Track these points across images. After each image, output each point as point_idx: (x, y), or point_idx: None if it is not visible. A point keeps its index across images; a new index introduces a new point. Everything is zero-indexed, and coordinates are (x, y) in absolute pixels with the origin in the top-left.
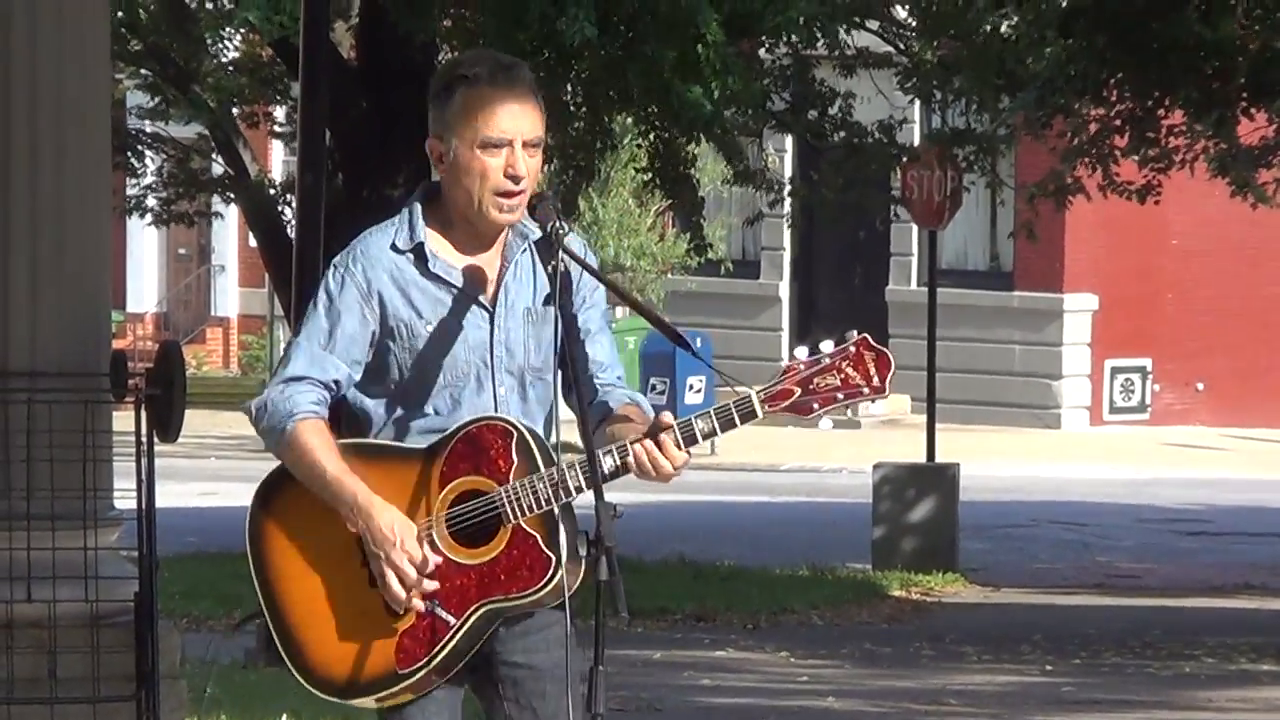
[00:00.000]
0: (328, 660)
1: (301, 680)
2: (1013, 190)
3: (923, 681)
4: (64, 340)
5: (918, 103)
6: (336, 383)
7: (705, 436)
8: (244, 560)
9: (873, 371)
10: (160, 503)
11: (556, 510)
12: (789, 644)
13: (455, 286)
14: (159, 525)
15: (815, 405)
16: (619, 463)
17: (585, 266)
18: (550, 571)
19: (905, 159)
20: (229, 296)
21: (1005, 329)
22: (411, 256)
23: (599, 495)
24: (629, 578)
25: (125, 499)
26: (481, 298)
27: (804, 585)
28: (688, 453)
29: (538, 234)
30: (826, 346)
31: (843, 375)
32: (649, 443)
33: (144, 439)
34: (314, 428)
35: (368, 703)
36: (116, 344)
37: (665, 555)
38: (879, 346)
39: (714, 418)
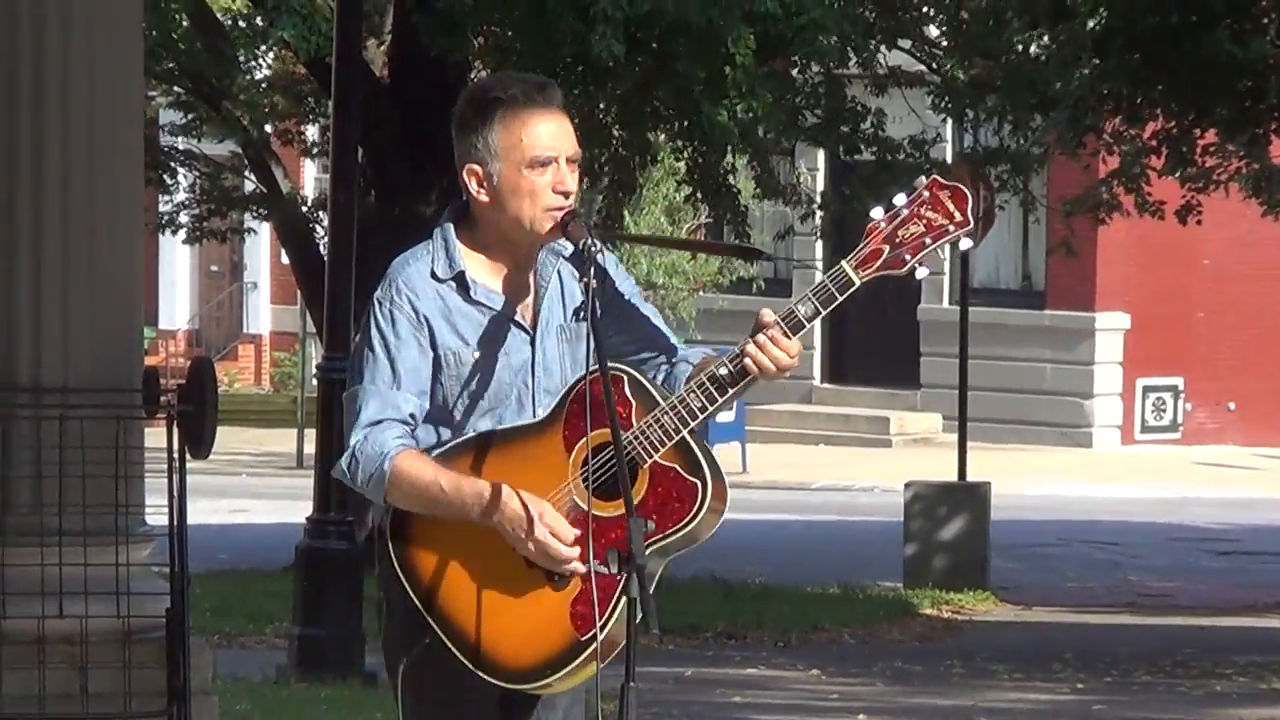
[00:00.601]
0: (514, 652)
1: (499, 683)
2: (1045, 208)
3: (954, 700)
4: (96, 356)
5: (950, 121)
6: (413, 416)
7: (810, 319)
8: (275, 578)
9: (952, 208)
10: (191, 519)
11: (689, 438)
12: (820, 662)
13: (497, 311)
14: (190, 542)
15: (906, 256)
16: (733, 370)
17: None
18: (700, 496)
19: (937, 176)
20: (261, 313)
21: (1037, 348)
22: (454, 285)
23: (630, 511)
24: (659, 595)
25: (157, 515)
26: (522, 320)
27: (835, 603)
28: (799, 342)
29: (569, 250)
30: (900, 199)
31: (925, 220)
32: (760, 337)
33: (175, 455)
34: (411, 455)
35: (564, 683)
36: (148, 360)
37: (696, 573)
38: (951, 183)
39: (813, 298)
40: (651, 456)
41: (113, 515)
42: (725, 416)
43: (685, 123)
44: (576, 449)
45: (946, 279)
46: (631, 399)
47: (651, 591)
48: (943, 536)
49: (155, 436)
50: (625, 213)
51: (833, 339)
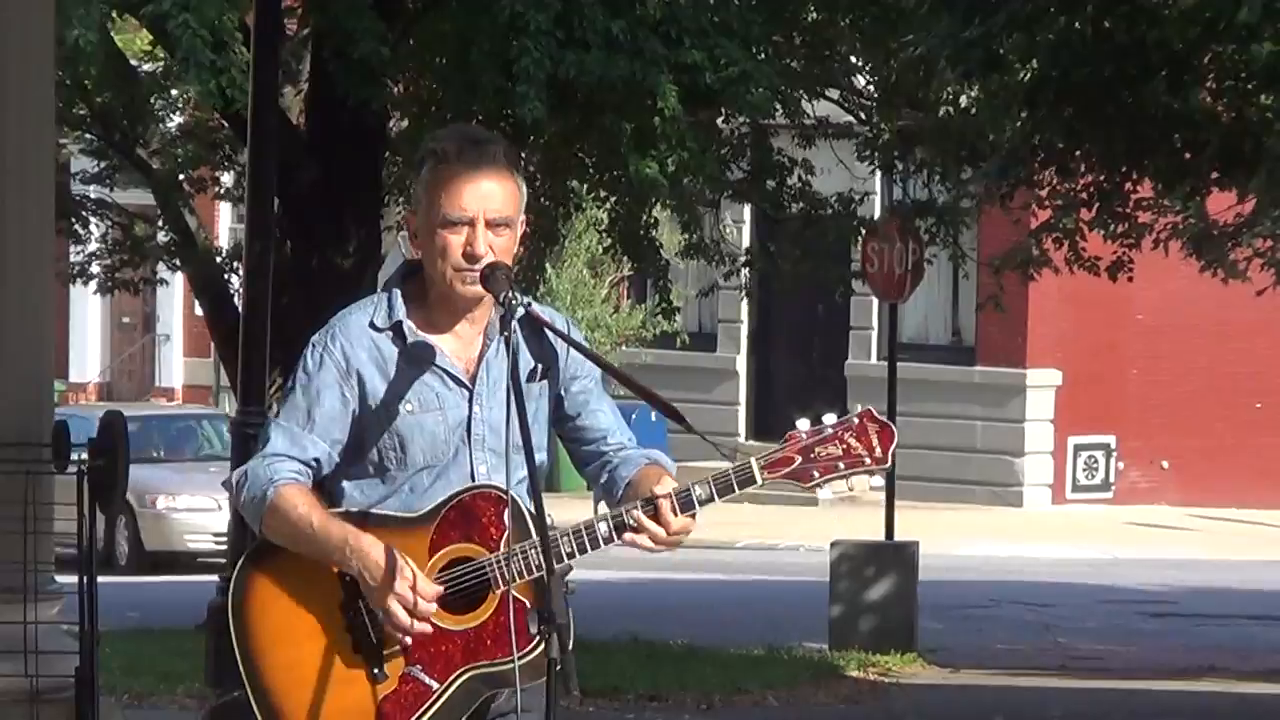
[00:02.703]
0: None
1: None
2: (976, 263)
3: None
4: (4, 410)
5: (879, 173)
6: (317, 460)
7: (703, 503)
8: (188, 636)
9: (875, 443)
10: (101, 577)
11: (549, 581)
12: None
13: (434, 365)
14: (100, 599)
15: (815, 473)
16: (611, 531)
17: (560, 334)
18: (533, 647)
19: (865, 231)
20: (174, 366)
21: (967, 404)
22: (390, 334)
23: (549, 570)
24: (580, 655)
25: (64, 574)
26: (461, 375)
27: (759, 665)
28: (691, 516)
29: (520, 310)
30: (829, 419)
31: (845, 445)
32: (639, 516)
33: (86, 511)
34: (297, 490)
35: None
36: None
37: (616, 633)
38: (882, 419)
39: (712, 484)
40: (507, 584)
41: (20, 572)
42: None
43: (611, 174)
44: (437, 556)
45: (875, 333)
46: (507, 524)
47: (571, 650)
48: (870, 597)
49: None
50: (547, 264)
51: (759, 394)
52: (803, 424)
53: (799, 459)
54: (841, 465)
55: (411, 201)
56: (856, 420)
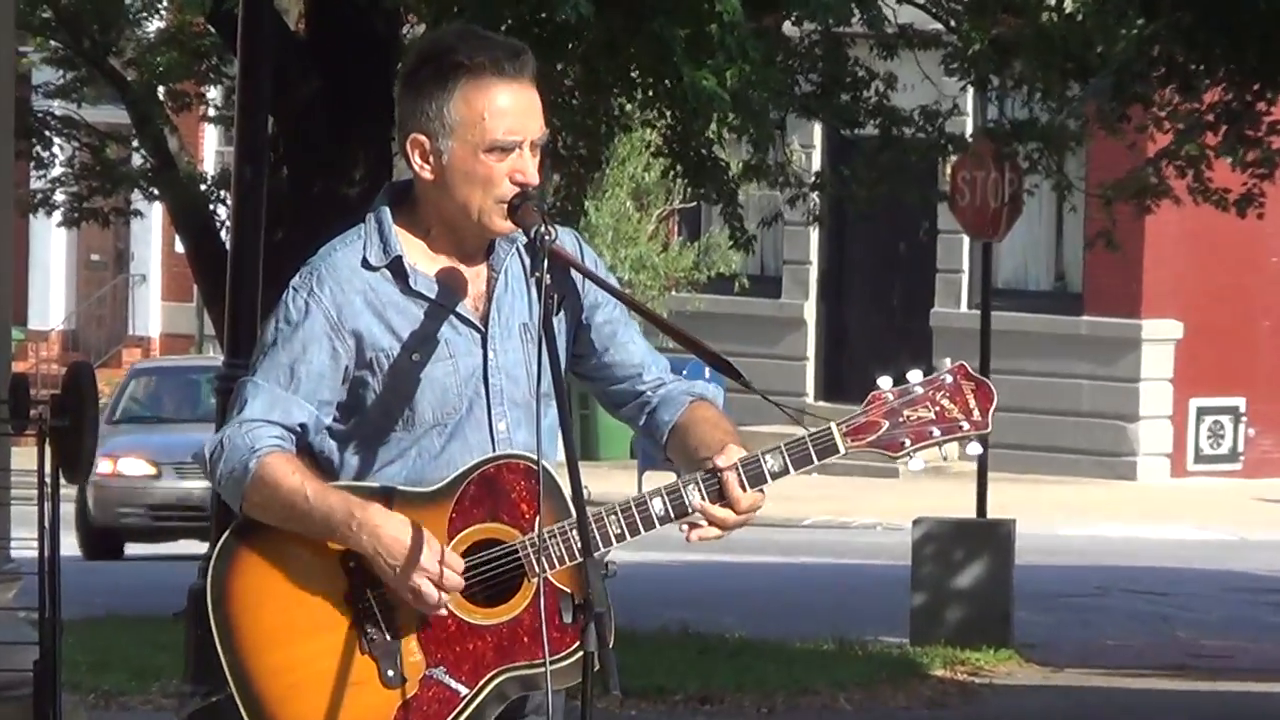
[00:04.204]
0: None
1: None
2: (1084, 195)
3: None
4: None
5: (970, 90)
6: (302, 426)
7: (775, 476)
8: (164, 626)
9: (973, 404)
10: (66, 554)
11: (604, 570)
12: None
13: (440, 304)
14: (64, 582)
15: (905, 440)
16: (669, 508)
17: (583, 271)
18: (578, 643)
19: (954, 153)
20: (150, 312)
21: (1072, 361)
22: (388, 273)
23: (586, 551)
24: (622, 650)
25: (25, 549)
26: (471, 316)
27: (829, 662)
28: (760, 492)
29: (523, 238)
30: (915, 376)
31: (938, 408)
32: (703, 502)
33: (48, 478)
34: (284, 458)
35: None
36: (16, 367)
37: (664, 624)
38: (978, 375)
39: (785, 454)
40: (545, 571)
41: None
42: None
43: (663, 85)
44: (459, 538)
45: (965, 278)
46: (541, 501)
47: (612, 645)
48: (958, 583)
49: (23, 457)
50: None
51: (829, 349)
52: (885, 382)
53: (885, 424)
54: (936, 431)
55: (414, 120)
56: (950, 378)
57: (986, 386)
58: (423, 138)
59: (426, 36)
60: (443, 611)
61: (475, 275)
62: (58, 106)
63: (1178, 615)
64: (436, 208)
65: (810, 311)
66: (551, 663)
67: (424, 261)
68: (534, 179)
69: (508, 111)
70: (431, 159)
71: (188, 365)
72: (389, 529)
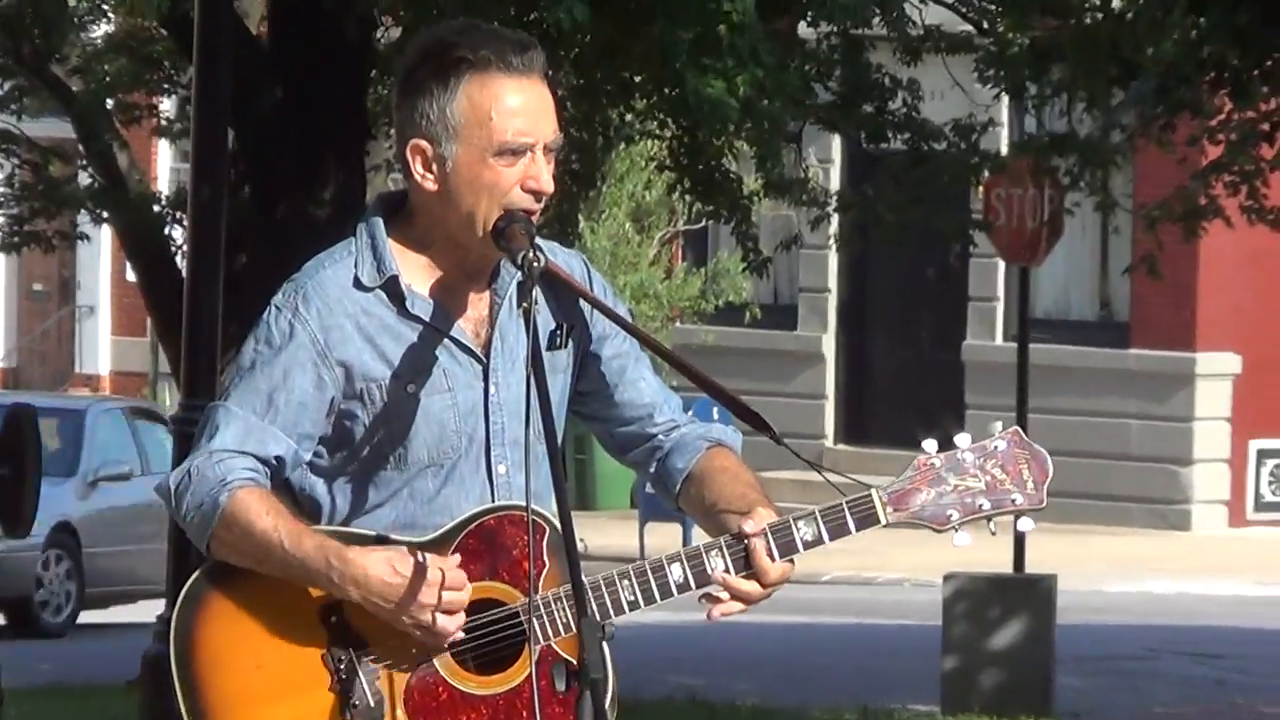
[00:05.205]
0: None
1: None
2: (1130, 214)
3: None
4: None
5: (1005, 99)
6: (278, 459)
7: (808, 546)
8: (116, 695)
9: (1026, 475)
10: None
11: (601, 632)
12: None
13: (439, 330)
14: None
15: (952, 514)
16: (689, 577)
17: (590, 299)
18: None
19: (988, 171)
20: (99, 347)
21: (1118, 398)
22: (383, 294)
23: (581, 611)
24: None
25: None
26: (472, 345)
27: None
28: (790, 562)
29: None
30: (964, 440)
31: (988, 477)
32: (727, 576)
33: None
34: (258, 494)
35: None
36: None
37: (671, 691)
38: (1033, 444)
39: (820, 522)
40: (548, 639)
41: None
42: None
43: (665, 94)
44: None
45: (1001, 306)
46: (547, 559)
47: (610, 710)
48: (993, 645)
49: None
50: (580, 215)
51: (850, 386)
52: (930, 445)
53: (930, 492)
54: (985, 503)
55: (413, 124)
56: (1002, 444)
57: (1042, 456)
58: (424, 143)
59: (425, 33)
60: (458, 635)
61: (478, 299)
62: None
63: (1235, 680)
64: (439, 221)
65: (829, 344)
66: None
67: (421, 282)
68: (548, 187)
69: (518, 110)
70: (434, 167)
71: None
72: (375, 571)
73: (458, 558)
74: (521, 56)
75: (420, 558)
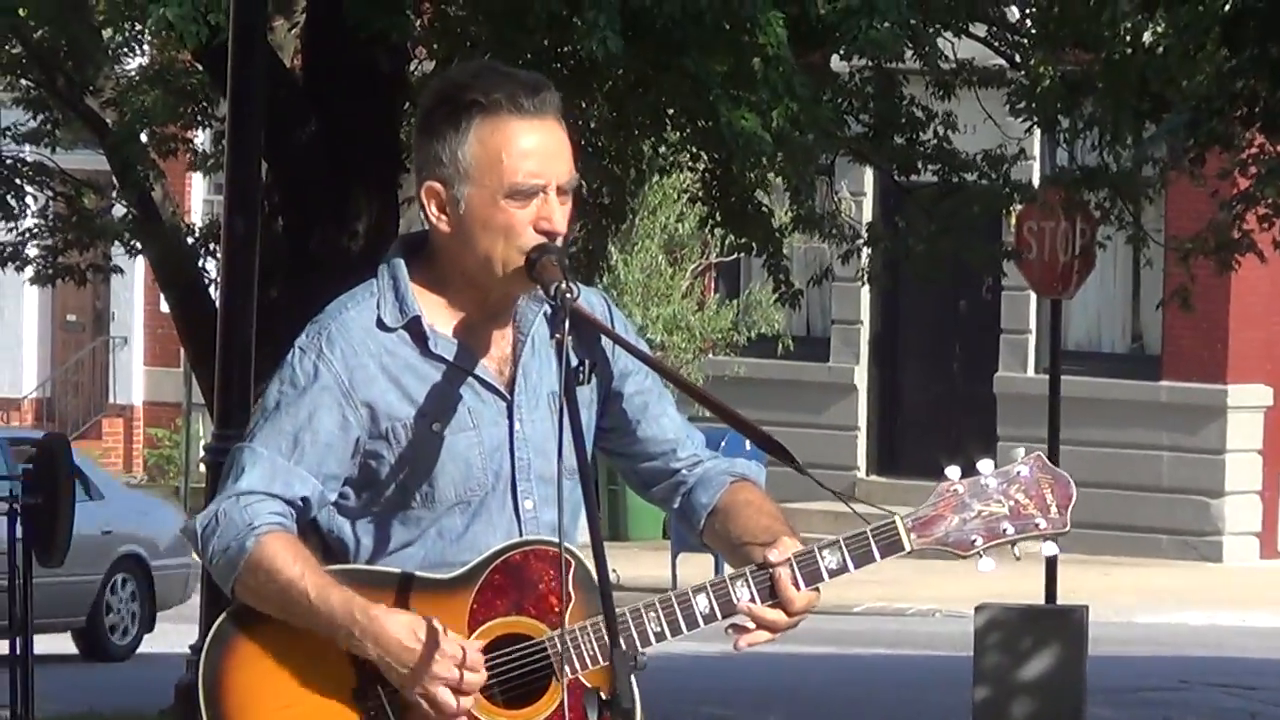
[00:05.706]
0: None
1: None
2: (1161, 247)
3: None
4: None
5: (1037, 132)
6: (304, 500)
7: (833, 574)
8: None
9: (1050, 500)
10: (39, 648)
11: (633, 662)
12: None
13: (463, 369)
14: (37, 677)
15: (976, 539)
16: (715, 607)
17: (611, 335)
18: None
19: (1020, 203)
20: (133, 378)
21: (1150, 430)
22: (406, 334)
23: (614, 642)
24: None
25: None
26: (496, 383)
27: None
28: (815, 590)
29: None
30: (986, 466)
31: (1012, 502)
32: (752, 605)
33: (19, 562)
34: (285, 541)
35: None
36: None
37: None
38: (1056, 469)
39: (845, 550)
40: (575, 671)
41: None
42: None
43: (697, 126)
44: (479, 631)
45: (1033, 339)
46: (573, 592)
47: None
48: (1025, 676)
49: None
50: (612, 248)
51: (882, 418)
52: (954, 472)
53: (954, 518)
54: (1009, 528)
55: (429, 167)
56: (1025, 470)
57: (1065, 480)
58: (438, 185)
59: (442, 75)
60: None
61: (500, 337)
62: (29, 152)
63: (1268, 712)
64: (456, 262)
65: (861, 376)
66: None
67: (444, 322)
68: (561, 228)
69: (529, 153)
70: (448, 208)
71: None
72: (394, 632)
73: (480, 642)
74: (534, 99)
75: (443, 630)
